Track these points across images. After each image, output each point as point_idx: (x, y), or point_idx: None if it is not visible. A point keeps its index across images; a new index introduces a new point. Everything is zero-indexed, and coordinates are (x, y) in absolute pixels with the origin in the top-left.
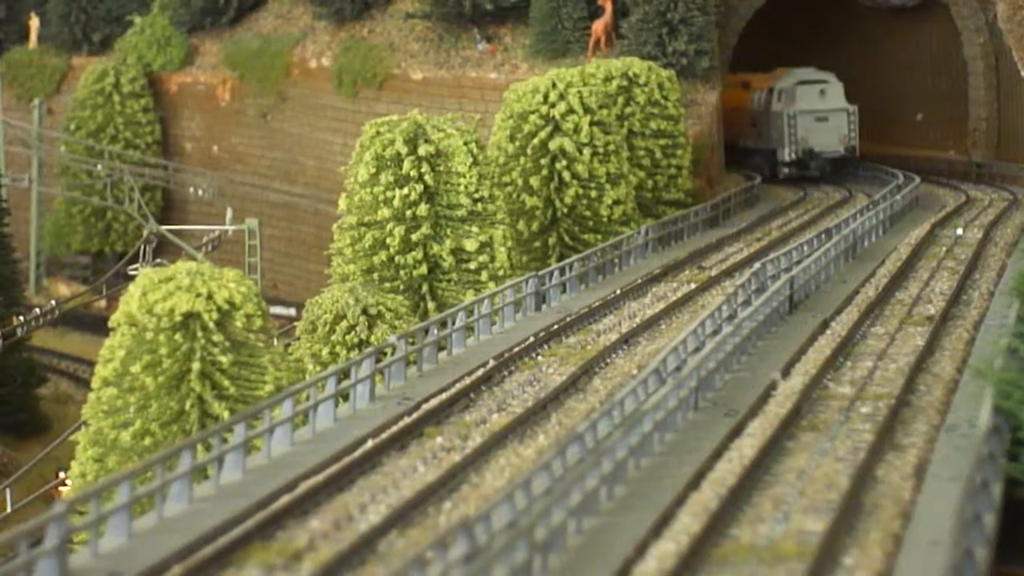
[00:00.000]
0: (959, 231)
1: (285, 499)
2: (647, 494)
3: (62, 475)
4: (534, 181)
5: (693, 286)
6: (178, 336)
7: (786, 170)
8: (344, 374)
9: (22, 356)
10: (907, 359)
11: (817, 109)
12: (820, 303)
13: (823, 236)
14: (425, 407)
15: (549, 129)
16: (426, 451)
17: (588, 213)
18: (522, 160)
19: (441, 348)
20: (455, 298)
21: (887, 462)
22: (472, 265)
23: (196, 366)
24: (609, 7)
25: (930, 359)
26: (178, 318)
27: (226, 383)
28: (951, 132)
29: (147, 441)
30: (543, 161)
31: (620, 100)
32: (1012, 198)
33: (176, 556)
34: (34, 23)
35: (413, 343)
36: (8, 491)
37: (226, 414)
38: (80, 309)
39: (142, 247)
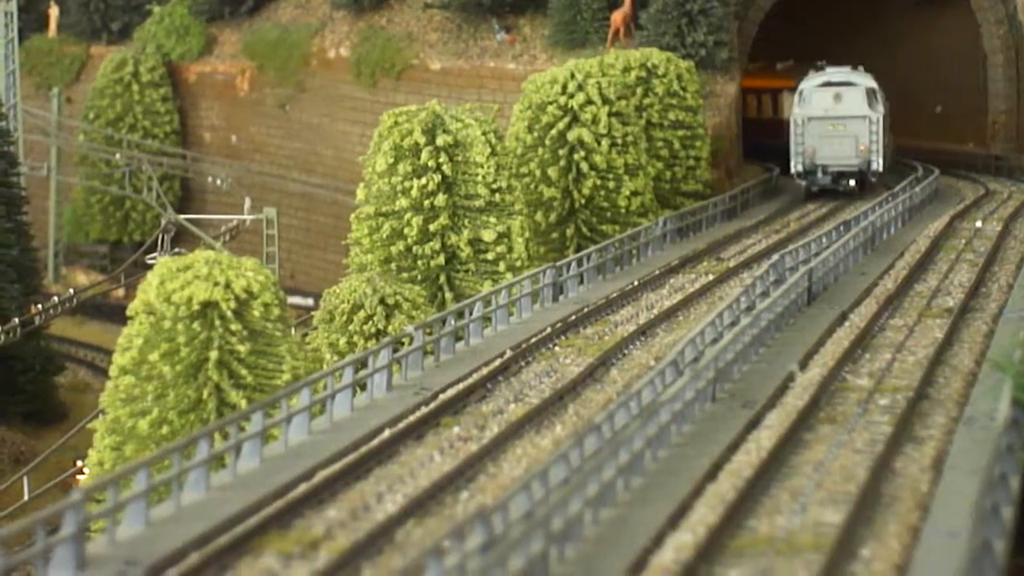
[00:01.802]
0: (978, 224)
1: (302, 488)
2: (664, 485)
3: (79, 463)
4: (552, 172)
5: (711, 277)
6: (196, 325)
7: (802, 183)
8: (361, 364)
9: (40, 344)
10: (926, 351)
11: (829, 116)
12: (839, 295)
13: (842, 228)
14: (442, 397)
15: (567, 120)
16: (443, 441)
17: (606, 204)
18: (540, 151)
19: (458, 338)
20: (472, 288)
21: (905, 454)
22: (490, 256)
23: (214, 355)
24: None
25: (949, 351)
26: (196, 307)
27: (243, 372)
28: (970, 124)
29: (164, 430)
30: (561, 152)
31: (639, 91)
32: None
33: (193, 544)
34: (53, 12)
35: (430, 333)
36: (25, 479)
37: (243, 403)
38: (98, 298)
39: (160, 236)
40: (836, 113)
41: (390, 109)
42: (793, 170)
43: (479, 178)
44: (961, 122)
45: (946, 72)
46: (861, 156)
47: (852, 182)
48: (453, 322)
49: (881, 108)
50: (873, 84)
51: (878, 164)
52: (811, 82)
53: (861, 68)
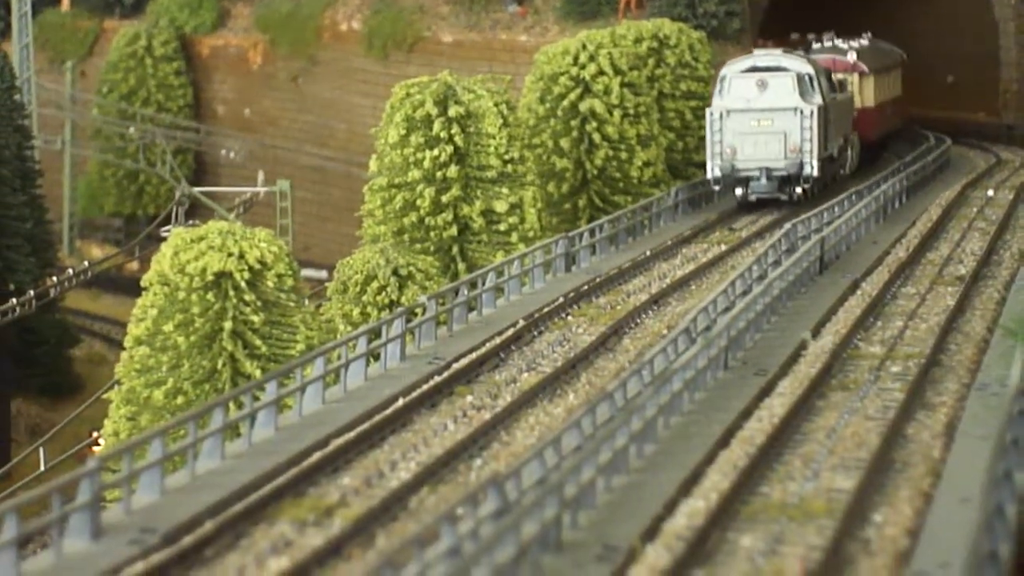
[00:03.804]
0: (990, 192)
1: (316, 456)
2: (677, 452)
3: (95, 434)
4: (564, 143)
5: (723, 247)
6: (210, 295)
7: (734, 191)
8: (375, 333)
9: (56, 318)
10: (937, 319)
11: (751, 108)
12: (851, 264)
13: (854, 197)
14: (455, 366)
15: (579, 91)
16: (456, 409)
17: (618, 175)
18: (552, 122)
19: (471, 308)
20: (485, 259)
21: (917, 421)
22: (502, 226)
23: (228, 325)
24: None
25: (961, 319)
26: (210, 277)
27: (258, 342)
28: (982, 94)
29: (179, 400)
30: (573, 123)
31: (650, 62)
32: None
33: (208, 512)
34: None
35: (443, 304)
36: (41, 450)
37: (258, 373)
38: (113, 271)
39: (174, 209)
40: (760, 104)
41: (402, 82)
42: (709, 175)
43: (491, 149)
44: (973, 92)
45: (958, 42)
46: (791, 158)
47: (799, 189)
48: (466, 292)
49: (818, 98)
50: (809, 69)
51: (812, 168)
52: (734, 67)
53: (819, 45)
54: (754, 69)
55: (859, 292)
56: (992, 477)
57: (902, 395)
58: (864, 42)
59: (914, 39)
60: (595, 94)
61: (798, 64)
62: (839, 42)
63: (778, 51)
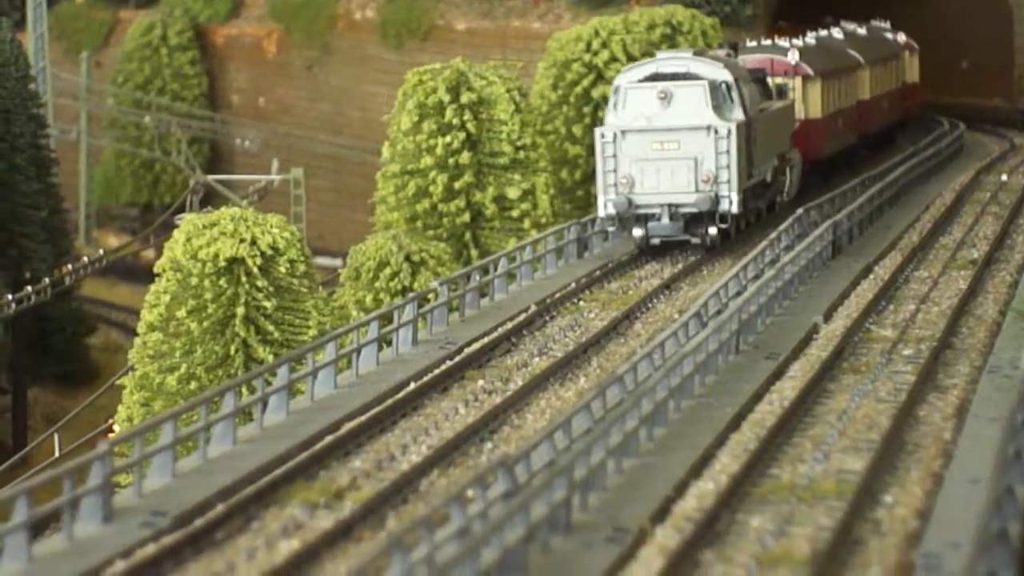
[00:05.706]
0: (1004, 177)
1: (328, 439)
2: (687, 435)
3: (111, 422)
4: (577, 129)
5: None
6: (222, 281)
7: (631, 232)
8: (387, 319)
9: (71, 306)
10: (950, 302)
11: (653, 127)
12: (864, 248)
13: (866, 183)
14: (467, 351)
15: (592, 77)
16: (468, 393)
17: None
18: (565, 108)
19: (483, 294)
20: (498, 245)
21: (928, 403)
22: (514, 213)
23: (240, 311)
24: None
25: (973, 302)
26: (222, 263)
27: (270, 328)
28: (997, 80)
29: (193, 385)
30: (586, 109)
31: (664, 48)
32: None
33: (219, 495)
34: None
35: (455, 289)
36: (56, 436)
37: (270, 358)
38: (129, 259)
39: (189, 197)
40: (664, 123)
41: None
42: (601, 212)
43: (504, 135)
44: (987, 77)
45: (973, 28)
46: (703, 191)
47: (713, 229)
48: (478, 278)
49: (739, 113)
50: (727, 76)
51: (731, 202)
52: (631, 75)
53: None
54: (656, 77)
55: (872, 276)
56: (1002, 458)
57: (914, 377)
58: (811, 41)
59: (929, 25)
60: (608, 80)
61: (712, 70)
62: (780, 40)
63: (687, 54)
